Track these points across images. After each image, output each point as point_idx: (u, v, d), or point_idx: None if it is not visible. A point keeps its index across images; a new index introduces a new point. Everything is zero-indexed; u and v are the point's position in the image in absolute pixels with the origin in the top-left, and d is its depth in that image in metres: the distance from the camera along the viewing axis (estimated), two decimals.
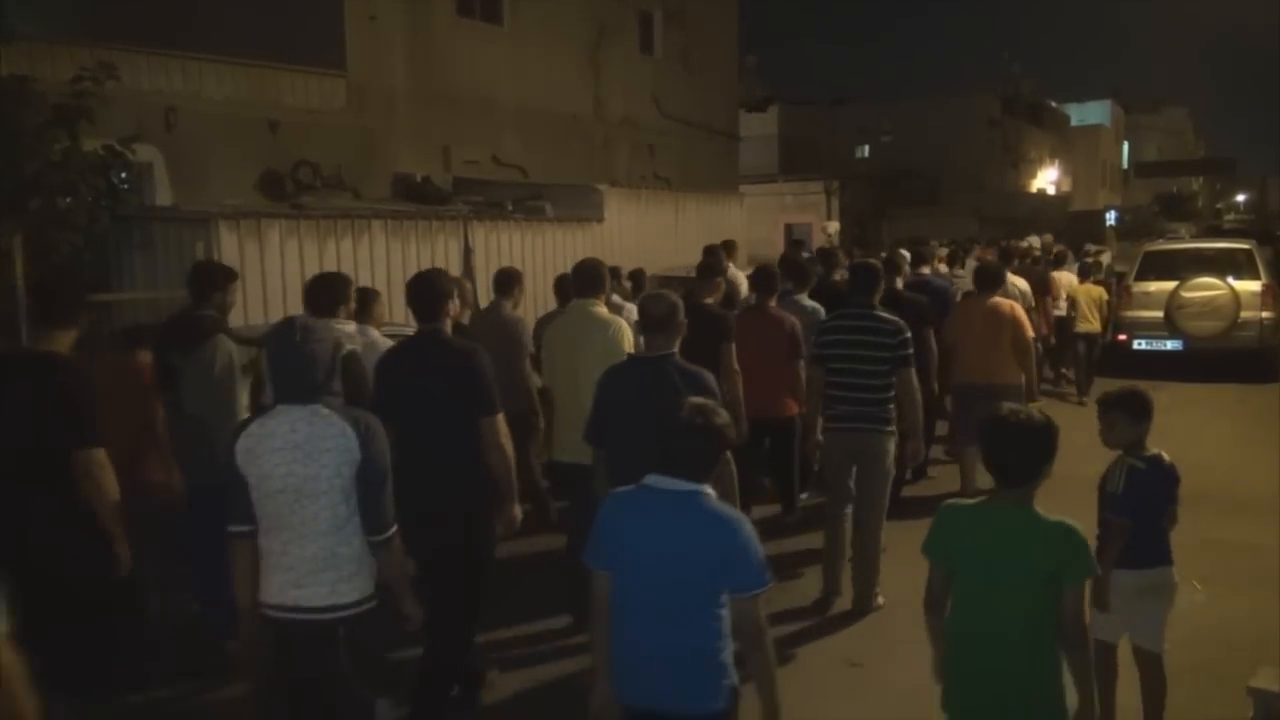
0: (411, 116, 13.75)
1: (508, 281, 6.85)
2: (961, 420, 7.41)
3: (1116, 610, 3.73)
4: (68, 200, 7.27)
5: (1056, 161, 50.08)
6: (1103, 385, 5.03)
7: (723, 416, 2.82)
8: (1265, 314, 12.48)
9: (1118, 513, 3.77)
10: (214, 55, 11.41)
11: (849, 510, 5.59)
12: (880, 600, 5.50)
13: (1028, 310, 8.22)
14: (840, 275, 8.28)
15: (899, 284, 7.59)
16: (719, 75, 21.08)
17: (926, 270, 9.33)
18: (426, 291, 4.14)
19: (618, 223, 12.78)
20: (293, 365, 3.01)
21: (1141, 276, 13.45)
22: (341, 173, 12.28)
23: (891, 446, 5.51)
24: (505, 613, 4.97)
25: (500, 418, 4.03)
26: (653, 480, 2.79)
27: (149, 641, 4.57)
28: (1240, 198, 65.59)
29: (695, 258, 8.65)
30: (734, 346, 5.66)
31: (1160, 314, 12.66)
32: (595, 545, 2.88)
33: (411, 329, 4.29)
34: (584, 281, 5.17)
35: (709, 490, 2.79)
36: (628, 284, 8.88)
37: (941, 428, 8.36)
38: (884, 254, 9.82)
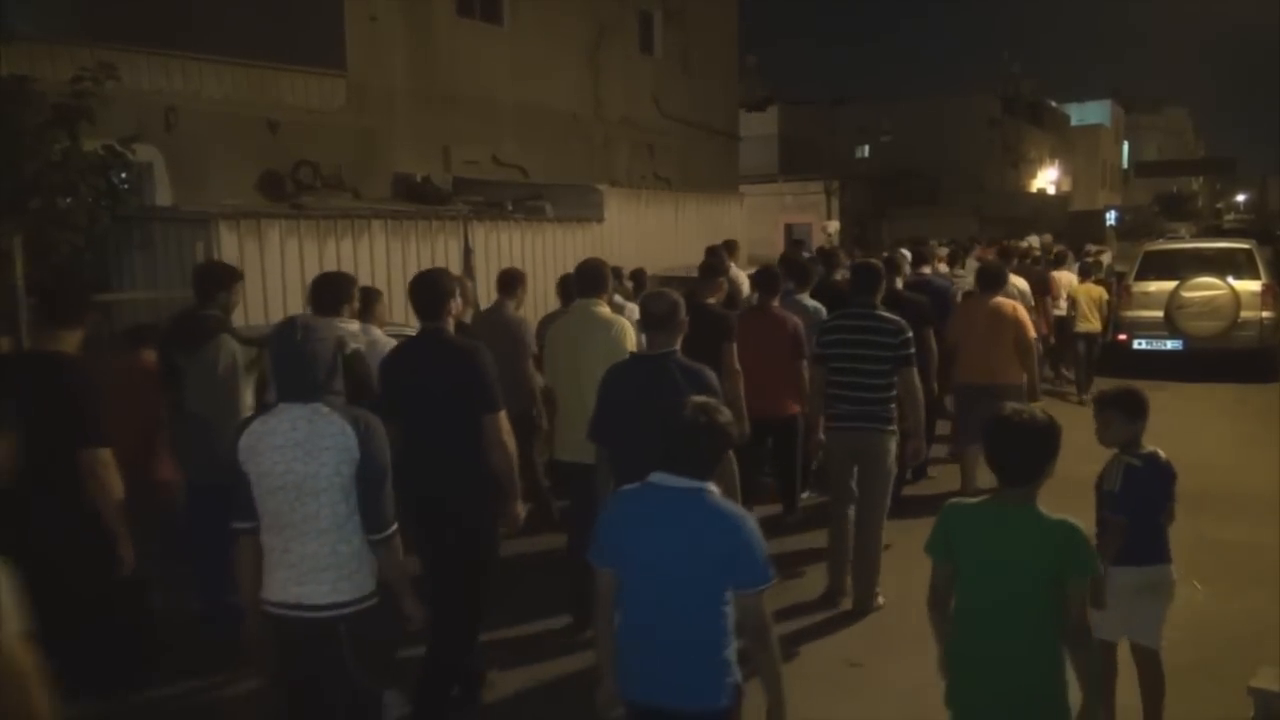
0: (411, 116, 13.75)
1: (511, 282, 6.86)
2: (963, 420, 7.42)
3: (1115, 608, 3.74)
4: (68, 200, 7.27)
5: (1056, 161, 50.08)
6: (1103, 385, 5.03)
7: (725, 415, 2.84)
8: (1265, 314, 12.49)
9: (1115, 511, 3.78)
10: (214, 55, 11.41)
11: (851, 511, 5.60)
12: (880, 600, 5.51)
13: (1027, 310, 8.22)
14: (841, 275, 8.29)
15: (899, 284, 7.60)
16: (719, 75, 21.08)
17: (927, 270, 9.34)
18: (429, 290, 4.15)
19: (618, 223, 12.78)
20: (294, 364, 3.04)
21: (1141, 276, 13.45)
22: (341, 173, 12.28)
23: (893, 446, 5.52)
24: (506, 612, 4.97)
25: (502, 415, 4.04)
26: (657, 478, 2.81)
27: (155, 641, 4.57)
28: (1240, 198, 65.61)
29: (695, 258, 8.66)
30: (735, 346, 5.67)
31: (1160, 314, 12.66)
32: (600, 542, 2.90)
33: (411, 329, 4.30)
34: (586, 281, 5.18)
35: (713, 487, 2.80)
36: (629, 284, 8.89)
37: (942, 427, 8.37)
38: (885, 254, 9.83)
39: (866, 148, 39.88)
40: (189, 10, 11.78)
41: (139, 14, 10.90)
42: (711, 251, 8.62)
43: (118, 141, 7.70)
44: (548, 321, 7.05)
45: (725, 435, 2.81)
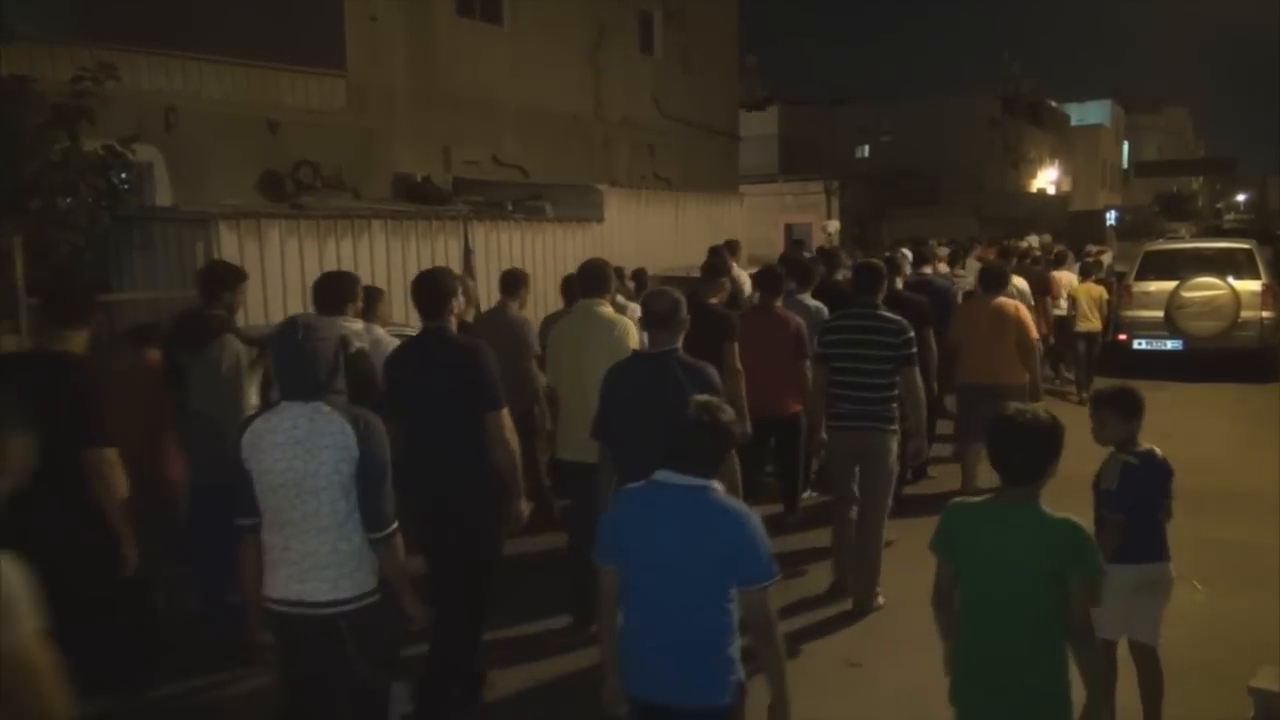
0: (411, 116, 13.75)
1: (514, 282, 6.86)
2: (966, 420, 7.43)
3: (1114, 606, 3.74)
4: (68, 200, 7.27)
5: (1056, 161, 50.09)
6: (1102, 385, 5.03)
7: (728, 413, 2.87)
8: (1265, 314, 12.48)
9: (1113, 509, 3.79)
10: (214, 55, 11.42)
11: (854, 511, 5.61)
12: (880, 600, 5.51)
13: (1028, 310, 8.23)
14: (843, 275, 8.29)
15: (899, 284, 7.61)
16: (719, 75, 21.09)
17: (928, 270, 9.36)
18: (431, 290, 4.16)
19: (618, 223, 12.79)
20: (295, 362, 3.07)
21: (1141, 276, 13.44)
22: (341, 173, 12.29)
23: (894, 445, 5.53)
24: (507, 612, 4.96)
25: (505, 413, 4.05)
26: (662, 476, 2.83)
27: (157, 641, 4.57)
28: (1240, 197, 65.64)
29: (695, 258, 8.65)
30: (737, 346, 5.69)
31: (1160, 314, 12.65)
32: (604, 540, 2.92)
33: (412, 329, 4.31)
34: (589, 281, 5.20)
35: (717, 485, 2.83)
36: (631, 284, 8.89)
37: (943, 427, 8.37)
38: (887, 254, 9.83)
39: (866, 148, 39.88)
40: (189, 10, 11.79)
41: (139, 14, 10.91)
42: (714, 251, 8.63)
43: (118, 141, 7.71)
44: (550, 321, 7.06)
45: (728, 434, 2.84)
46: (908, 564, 5.59)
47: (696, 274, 7.62)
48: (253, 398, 4.63)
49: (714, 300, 6.42)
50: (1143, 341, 12.85)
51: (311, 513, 3.03)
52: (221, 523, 3.21)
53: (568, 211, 12.16)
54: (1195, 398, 11.20)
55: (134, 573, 3.90)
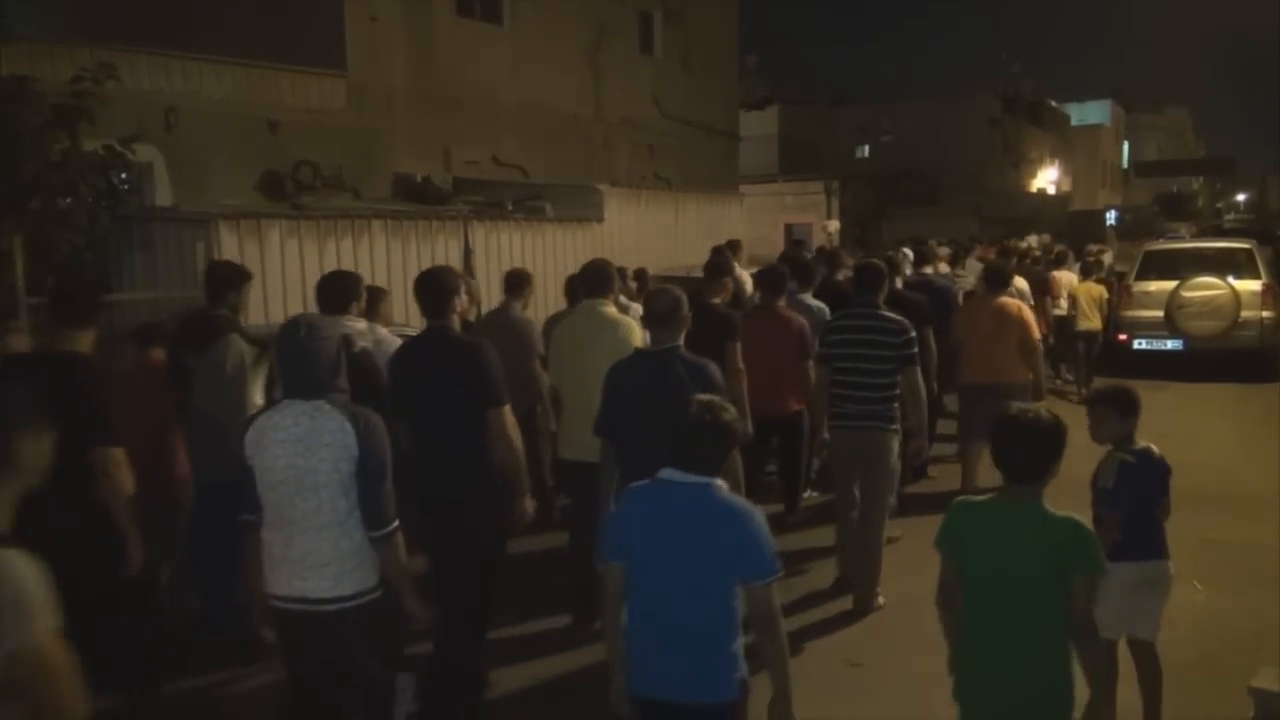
0: (411, 116, 13.75)
1: (518, 282, 6.86)
2: (968, 419, 7.44)
3: (1114, 604, 3.74)
4: (68, 200, 7.27)
5: (1057, 161, 50.08)
6: (1102, 385, 5.04)
7: (730, 412, 2.89)
8: (1265, 314, 12.47)
9: (1109, 507, 3.80)
10: (214, 55, 11.42)
11: (856, 512, 5.62)
12: (880, 600, 5.51)
13: None
14: (844, 275, 8.30)
15: (898, 283, 7.61)
16: (719, 75, 21.09)
17: (929, 270, 9.37)
18: (434, 288, 4.17)
19: (618, 223, 12.79)
20: (298, 361, 3.12)
21: (1142, 276, 13.44)
22: (341, 173, 12.29)
23: (895, 444, 5.54)
24: (507, 611, 4.95)
25: (507, 409, 4.06)
26: (667, 474, 2.86)
27: (166, 640, 4.57)
28: (1240, 197, 65.62)
29: (695, 258, 8.65)
30: (739, 345, 5.70)
31: (1160, 314, 12.65)
32: (609, 538, 2.94)
33: (412, 329, 4.31)
34: (593, 282, 5.22)
35: (720, 483, 2.85)
36: (633, 284, 8.89)
37: (943, 427, 8.37)
38: (889, 253, 9.84)
39: (866, 148, 39.90)
40: (189, 10, 11.80)
41: (139, 14, 10.92)
42: (717, 251, 8.63)
43: (118, 141, 7.71)
44: (554, 322, 7.06)
45: (731, 433, 2.86)
46: (908, 564, 5.59)
47: (697, 274, 7.62)
48: (257, 397, 4.64)
49: (717, 300, 6.42)
50: (1143, 341, 12.84)
51: (312, 510, 3.06)
52: (224, 522, 3.22)
53: (568, 211, 12.16)
54: (1195, 398, 11.20)
55: (138, 572, 3.90)
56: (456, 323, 4.23)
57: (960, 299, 8.79)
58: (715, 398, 2.97)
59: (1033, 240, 18.24)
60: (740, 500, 2.89)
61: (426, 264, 8.69)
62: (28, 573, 1.99)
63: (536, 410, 6.43)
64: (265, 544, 3.16)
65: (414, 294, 4.24)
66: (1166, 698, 3.90)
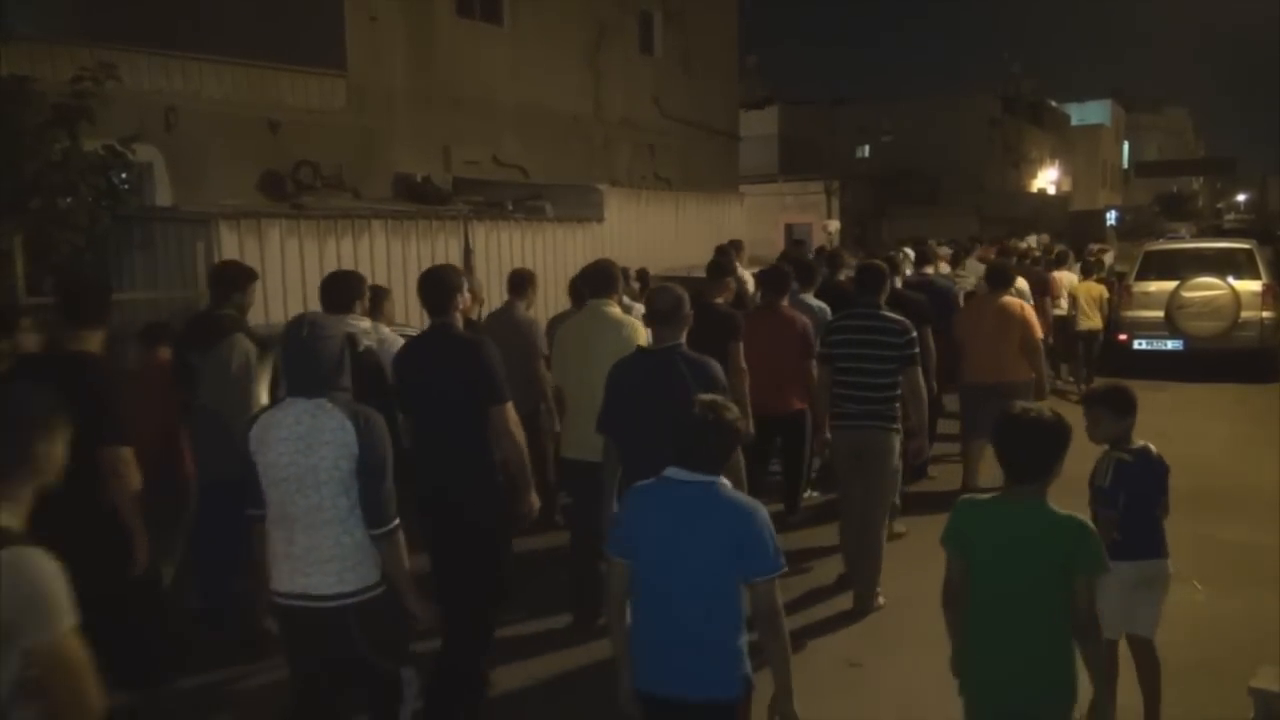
0: (411, 116, 13.76)
1: (521, 282, 6.87)
2: (970, 418, 7.44)
3: (1113, 603, 3.74)
4: (68, 200, 7.28)
5: (1057, 161, 50.07)
6: (1100, 384, 5.04)
7: (733, 411, 2.91)
8: (1265, 314, 12.47)
9: (1107, 506, 3.81)
10: (214, 55, 11.42)
11: (857, 513, 5.61)
12: (880, 600, 5.51)
13: None
14: (845, 275, 8.30)
15: (898, 283, 7.62)
16: (719, 75, 21.08)
17: (930, 270, 9.37)
18: (436, 286, 4.18)
19: (618, 223, 12.78)
20: (301, 360, 3.15)
21: (1142, 276, 13.43)
22: (341, 173, 12.29)
23: (896, 444, 5.55)
24: (508, 610, 4.96)
25: (509, 406, 4.06)
26: (671, 472, 2.88)
27: (174, 638, 4.57)
28: (1240, 198, 65.58)
29: (696, 258, 8.65)
30: (741, 345, 5.71)
31: (1161, 314, 12.64)
32: (614, 535, 2.97)
33: (413, 328, 4.32)
34: (597, 282, 5.23)
35: (724, 481, 2.88)
36: (635, 284, 8.90)
37: (944, 426, 8.37)
38: (890, 253, 9.84)
39: (866, 148, 39.91)
40: (189, 10, 11.81)
41: (139, 14, 10.93)
42: (721, 251, 8.64)
43: (118, 141, 7.71)
44: (557, 322, 7.06)
45: (733, 432, 2.89)
46: (909, 564, 5.60)
47: (698, 274, 7.62)
48: (263, 396, 4.66)
49: (719, 300, 6.43)
50: (1143, 341, 12.84)
51: (314, 507, 3.09)
52: (227, 519, 3.24)
53: (568, 211, 12.16)
54: (1195, 398, 11.20)
55: (145, 571, 3.91)
56: (459, 321, 4.24)
57: (960, 299, 8.79)
58: (718, 397, 2.99)
59: (1033, 240, 18.25)
60: (744, 497, 2.91)
61: (426, 264, 8.66)
62: (48, 570, 2.00)
63: (540, 410, 6.43)
64: (269, 540, 3.18)
65: (417, 292, 4.25)
66: (1166, 698, 3.90)
